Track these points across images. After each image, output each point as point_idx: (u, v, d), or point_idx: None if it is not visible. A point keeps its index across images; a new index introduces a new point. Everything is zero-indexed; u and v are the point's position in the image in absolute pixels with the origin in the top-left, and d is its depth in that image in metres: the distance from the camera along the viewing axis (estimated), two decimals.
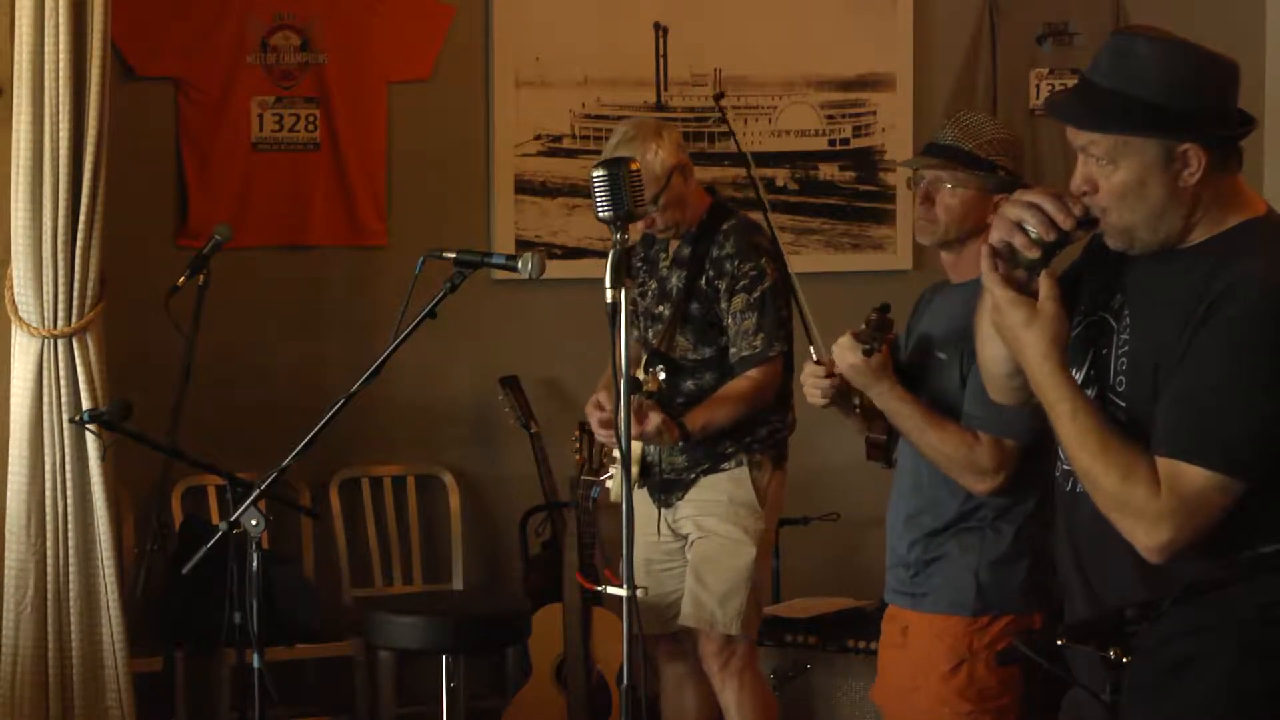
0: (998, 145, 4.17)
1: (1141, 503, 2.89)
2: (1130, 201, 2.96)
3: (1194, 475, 2.87)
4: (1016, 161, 4.19)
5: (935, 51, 7.21)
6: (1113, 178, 2.96)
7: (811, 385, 4.27)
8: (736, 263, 5.13)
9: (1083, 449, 2.94)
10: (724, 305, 5.15)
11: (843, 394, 4.27)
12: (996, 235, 3.02)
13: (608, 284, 3.86)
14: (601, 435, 5.14)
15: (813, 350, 4.32)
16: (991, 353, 3.18)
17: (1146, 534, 2.89)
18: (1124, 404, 2.99)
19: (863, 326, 4.08)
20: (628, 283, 3.86)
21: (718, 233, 5.18)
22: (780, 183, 7.07)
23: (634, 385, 4.94)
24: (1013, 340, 3.01)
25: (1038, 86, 7.29)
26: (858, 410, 4.29)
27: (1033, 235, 2.98)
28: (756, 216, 5.24)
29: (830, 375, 4.23)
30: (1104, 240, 3.07)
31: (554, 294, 6.57)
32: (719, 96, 5.61)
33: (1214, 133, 2.95)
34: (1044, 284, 2.99)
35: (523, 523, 6.67)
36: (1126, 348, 3.01)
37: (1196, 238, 2.99)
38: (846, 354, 4.08)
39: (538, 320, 6.75)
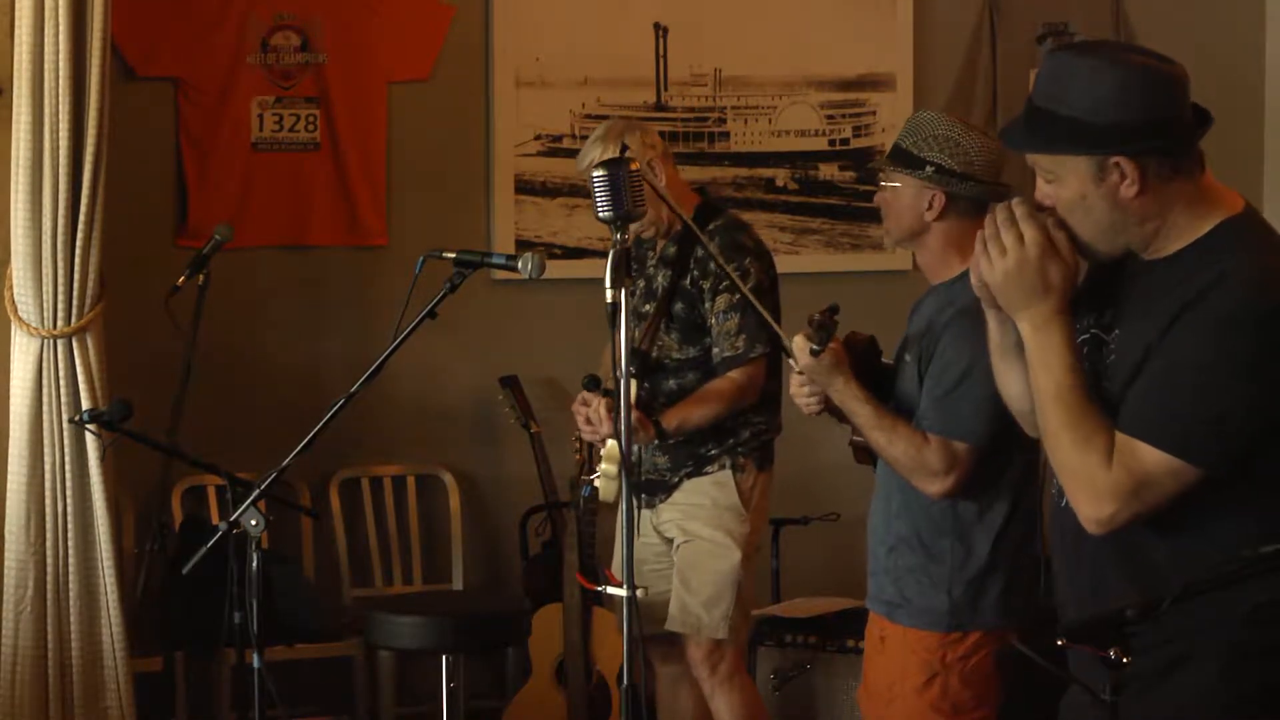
0: (933, 141, 4.13)
1: (1091, 473, 2.92)
2: (1078, 217, 2.99)
3: (1148, 455, 2.90)
4: (959, 158, 4.12)
5: (935, 51, 7.21)
6: (1059, 195, 3.00)
7: (799, 396, 4.29)
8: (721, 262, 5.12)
9: (1054, 410, 2.96)
10: (707, 305, 5.15)
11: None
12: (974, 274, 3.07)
13: (608, 284, 3.86)
14: (586, 433, 5.14)
15: (791, 362, 4.31)
16: (1011, 391, 3.19)
17: (1090, 504, 2.93)
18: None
19: (809, 328, 4.09)
20: (627, 282, 3.86)
21: (704, 232, 5.17)
22: (780, 183, 7.08)
23: (594, 384, 4.98)
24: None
25: None
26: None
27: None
28: (750, 216, 5.23)
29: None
30: None
31: (554, 294, 6.57)
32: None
33: (1139, 145, 2.93)
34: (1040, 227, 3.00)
35: (523, 523, 6.67)
36: (1113, 357, 3.03)
37: (1173, 246, 3.00)
38: (801, 355, 4.11)
39: (538, 320, 6.75)
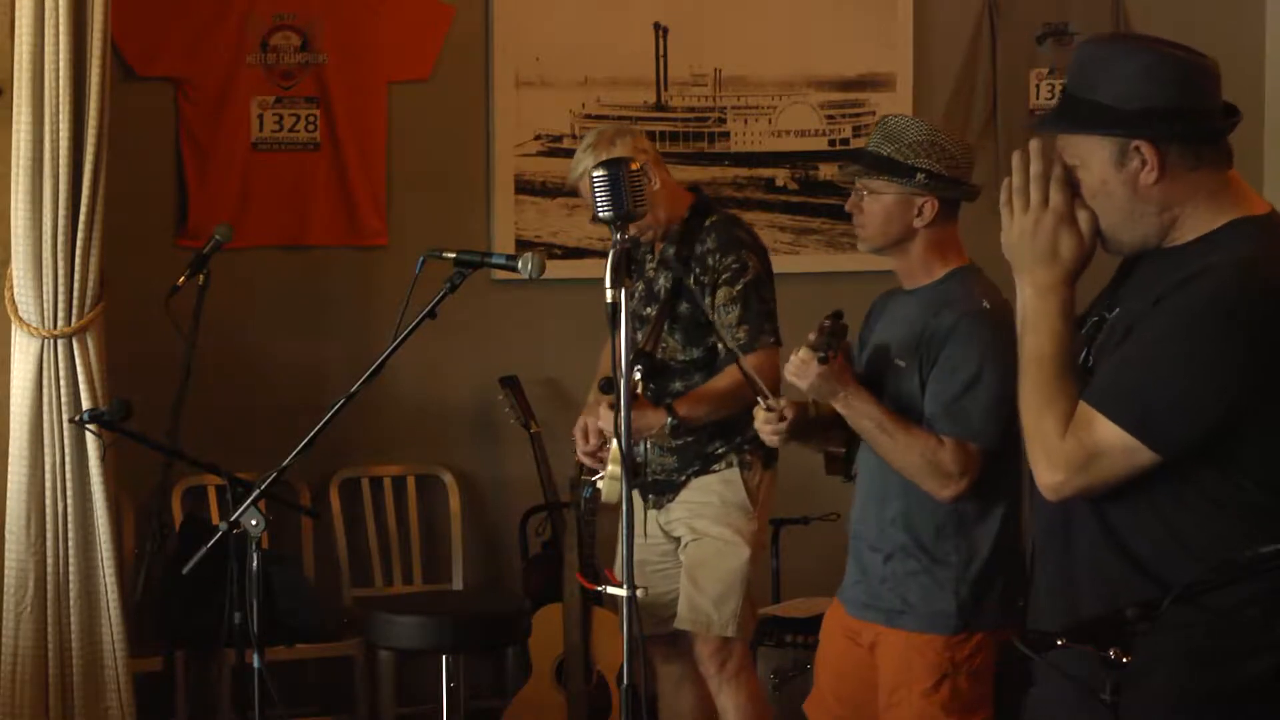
0: (918, 148, 4.12)
1: (1048, 438, 2.96)
2: (1100, 203, 3.01)
3: (1103, 428, 2.92)
4: (946, 162, 4.13)
5: (935, 51, 7.21)
6: (1085, 180, 3.01)
7: (767, 432, 4.26)
8: (718, 256, 5.11)
9: (1030, 372, 3.00)
10: (708, 300, 5.14)
11: (798, 428, 4.26)
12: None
13: (608, 284, 3.86)
14: (586, 461, 5.14)
15: (760, 400, 4.31)
16: None
17: (1044, 469, 2.97)
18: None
19: (814, 335, 4.07)
20: (628, 282, 3.86)
21: (700, 230, 5.16)
22: (780, 183, 7.07)
23: (611, 388, 4.95)
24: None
25: (1038, 86, 7.29)
26: (812, 412, 4.28)
27: None
28: (750, 216, 5.21)
29: (783, 419, 4.23)
30: None
31: (554, 294, 6.57)
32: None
33: (1160, 129, 2.95)
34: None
35: (523, 523, 6.67)
36: (1103, 336, 3.05)
37: (1187, 235, 3.01)
38: (806, 366, 4.06)
39: (538, 320, 6.75)
